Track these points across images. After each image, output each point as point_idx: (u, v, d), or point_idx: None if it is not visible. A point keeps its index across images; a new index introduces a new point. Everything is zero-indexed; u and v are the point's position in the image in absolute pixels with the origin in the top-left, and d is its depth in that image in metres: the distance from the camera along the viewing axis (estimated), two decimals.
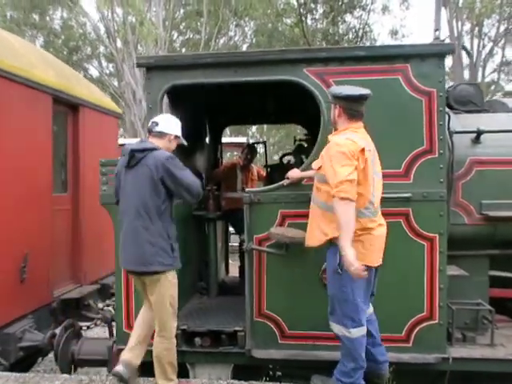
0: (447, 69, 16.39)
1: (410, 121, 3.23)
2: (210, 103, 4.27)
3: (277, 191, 3.32)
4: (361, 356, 2.81)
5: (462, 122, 3.58)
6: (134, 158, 2.85)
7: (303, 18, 19.97)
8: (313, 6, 20.08)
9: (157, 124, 2.95)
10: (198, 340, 3.43)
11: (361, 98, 2.80)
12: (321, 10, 20.22)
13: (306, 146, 5.12)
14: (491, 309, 3.44)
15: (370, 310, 3.02)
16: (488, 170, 3.45)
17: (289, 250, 3.22)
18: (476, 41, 20.26)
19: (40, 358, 4.54)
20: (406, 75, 3.21)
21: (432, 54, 3.20)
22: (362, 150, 2.68)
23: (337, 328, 2.87)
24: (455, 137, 3.42)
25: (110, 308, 4.73)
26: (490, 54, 20.26)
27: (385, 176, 3.22)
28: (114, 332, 4.37)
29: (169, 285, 2.89)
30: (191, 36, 28.03)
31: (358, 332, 2.79)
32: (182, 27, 26.88)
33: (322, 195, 2.84)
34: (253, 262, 3.32)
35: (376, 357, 2.97)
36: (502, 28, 20.15)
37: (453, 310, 3.35)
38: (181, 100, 3.87)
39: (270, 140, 28.49)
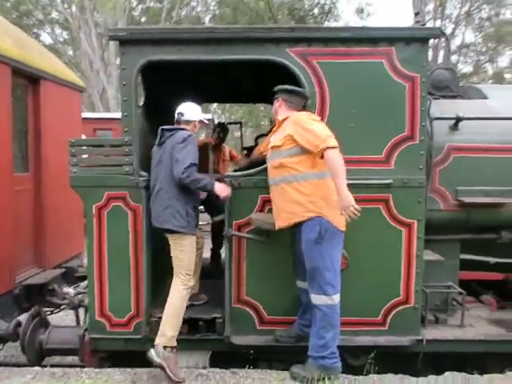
0: None
1: (392, 106, 3.20)
2: (180, 79, 4.06)
3: (257, 176, 3.24)
4: (339, 322, 2.98)
5: (440, 107, 3.59)
6: (164, 136, 3.21)
7: None
8: None
9: (182, 114, 3.29)
10: None
11: (296, 92, 3.10)
12: None
13: None
14: (462, 291, 3.55)
15: None
16: (465, 156, 3.50)
17: (269, 235, 3.16)
18: (438, 22, 20.59)
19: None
20: (390, 59, 3.16)
21: (417, 38, 3.15)
22: None
23: (319, 299, 2.94)
24: (434, 123, 3.43)
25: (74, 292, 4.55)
26: (452, 35, 20.64)
27: (366, 162, 3.24)
28: (82, 319, 4.27)
29: (184, 247, 3.14)
30: (152, 5, 26.97)
31: (338, 298, 2.97)
32: None
33: (294, 167, 2.93)
34: (232, 248, 3.25)
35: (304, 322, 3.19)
36: (463, 10, 20.55)
37: (426, 294, 3.43)
38: (149, 75, 3.67)
39: (231, 117, 28.13)
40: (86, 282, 5.05)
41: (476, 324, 3.57)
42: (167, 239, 3.19)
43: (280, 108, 3.14)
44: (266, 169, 3.19)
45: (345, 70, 3.16)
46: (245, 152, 4.93)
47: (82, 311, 4.28)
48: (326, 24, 21.25)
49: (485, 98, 3.84)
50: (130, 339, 3.36)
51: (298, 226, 3.01)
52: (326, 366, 2.92)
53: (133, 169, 3.25)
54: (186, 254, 3.16)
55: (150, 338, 3.30)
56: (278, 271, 3.30)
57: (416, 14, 3.64)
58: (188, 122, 3.31)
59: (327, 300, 2.92)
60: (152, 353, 3.04)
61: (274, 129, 3.23)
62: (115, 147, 3.31)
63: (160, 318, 3.30)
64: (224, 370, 3.11)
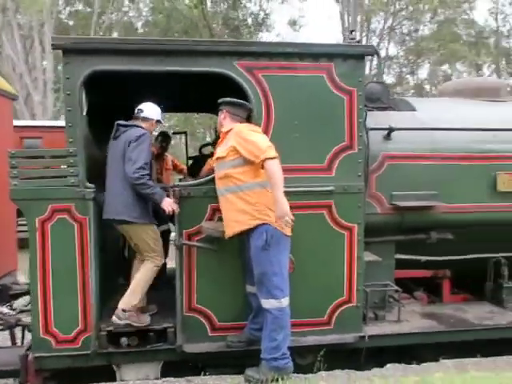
0: None
1: (332, 118, 3.40)
2: (124, 88, 4.03)
3: (206, 185, 3.30)
4: (289, 324, 3.11)
5: (373, 119, 3.86)
6: (119, 131, 3.37)
7: (203, 1, 19.62)
8: None
9: (142, 111, 3.47)
10: (124, 340, 3.31)
11: (240, 105, 3.23)
12: None
13: None
14: (398, 289, 3.83)
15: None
16: (398, 164, 3.79)
17: (220, 244, 3.23)
18: (364, 35, 21.77)
19: None
20: (330, 73, 3.37)
21: (353, 55, 3.39)
22: None
23: (268, 303, 3.06)
24: (370, 133, 3.69)
25: (13, 312, 4.33)
26: (378, 48, 21.88)
27: (309, 170, 3.42)
28: (20, 338, 4.07)
29: (142, 235, 3.37)
30: (80, 8, 26.05)
31: (287, 301, 3.10)
32: None
33: (238, 178, 3.04)
34: (182, 257, 3.28)
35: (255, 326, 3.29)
36: (386, 25, 21.90)
37: (367, 293, 3.66)
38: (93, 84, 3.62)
39: (165, 125, 27.79)
40: (21, 300, 4.86)
41: (411, 318, 3.87)
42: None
43: (224, 120, 3.25)
44: (214, 178, 3.26)
45: (289, 83, 3.32)
46: (190, 161, 4.97)
47: (18, 330, 4.10)
48: (260, 34, 21.77)
49: (413, 109, 4.18)
50: (78, 355, 3.26)
51: (246, 234, 3.11)
52: (279, 366, 3.04)
53: (78, 180, 3.18)
54: (149, 240, 3.37)
55: (99, 353, 3.25)
56: (227, 278, 3.37)
57: (351, 32, 3.89)
58: (146, 120, 3.48)
59: (276, 303, 3.05)
60: (114, 319, 3.26)
61: (219, 140, 3.32)
62: (59, 158, 3.22)
63: (109, 331, 3.28)
64: (179, 379, 3.13)
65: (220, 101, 3.26)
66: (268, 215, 3.02)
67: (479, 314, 4.01)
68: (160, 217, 4.42)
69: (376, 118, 3.91)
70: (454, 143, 3.89)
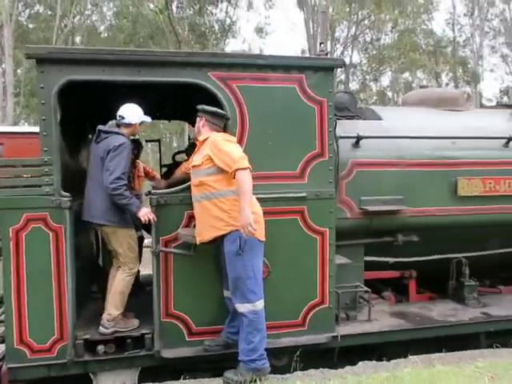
0: None
1: (304, 126, 3.53)
2: (98, 96, 4.03)
3: (183, 192, 3.36)
4: (264, 326, 3.21)
5: (342, 127, 4.03)
6: (100, 136, 3.43)
7: (169, 6, 19.58)
8: None
9: (123, 118, 3.47)
10: (101, 348, 3.32)
11: (217, 114, 3.30)
12: None
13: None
14: (368, 290, 4.00)
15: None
16: (366, 170, 3.97)
17: (196, 250, 3.30)
18: (328, 44, 22.29)
19: None
20: (301, 85, 3.50)
21: (323, 67, 3.54)
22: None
23: (243, 307, 3.15)
24: (339, 141, 3.85)
25: None
26: (341, 56, 22.45)
27: (283, 177, 3.53)
28: None
29: (119, 239, 3.42)
30: (41, 11, 25.42)
31: (261, 303, 3.20)
32: None
33: (213, 186, 3.13)
34: (160, 263, 3.33)
35: (232, 330, 3.37)
36: (350, 34, 22.51)
37: (338, 294, 3.80)
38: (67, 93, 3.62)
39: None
40: None
41: (380, 318, 4.04)
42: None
43: (203, 128, 3.32)
44: (190, 186, 3.33)
45: (262, 94, 3.43)
46: (164, 169, 4.99)
47: None
48: (226, 41, 21.95)
49: (379, 118, 4.38)
50: (54, 364, 3.24)
51: (220, 240, 3.19)
52: (257, 367, 3.13)
53: (53, 189, 3.18)
54: (123, 245, 3.41)
55: (75, 362, 3.24)
56: (204, 283, 3.43)
57: (320, 44, 4.06)
58: (129, 126, 3.50)
59: (251, 307, 3.14)
60: (101, 330, 3.32)
61: (196, 148, 3.39)
62: (34, 167, 3.21)
63: (86, 339, 3.28)
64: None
65: (200, 108, 3.31)
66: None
67: (443, 312, 4.23)
68: (134, 224, 4.46)
69: (344, 127, 4.07)
70: (417, 150, 4.11)
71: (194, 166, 3.25)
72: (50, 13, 24.60)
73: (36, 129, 13.54)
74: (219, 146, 3.10)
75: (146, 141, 5.16)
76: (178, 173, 3.89)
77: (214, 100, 3.37)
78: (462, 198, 4.16)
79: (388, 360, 3.51)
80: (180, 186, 3.38)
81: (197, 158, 3.25)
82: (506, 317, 4.16)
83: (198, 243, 3.20)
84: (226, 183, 3.12)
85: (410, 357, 3.47)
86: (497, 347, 3.81)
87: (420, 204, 4.08)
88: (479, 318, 4.11)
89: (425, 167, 4.10)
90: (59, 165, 3.20)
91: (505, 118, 4.74)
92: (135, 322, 3.49)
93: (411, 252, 4.27)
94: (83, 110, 4.13)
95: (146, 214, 3.26)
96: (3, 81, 20.21)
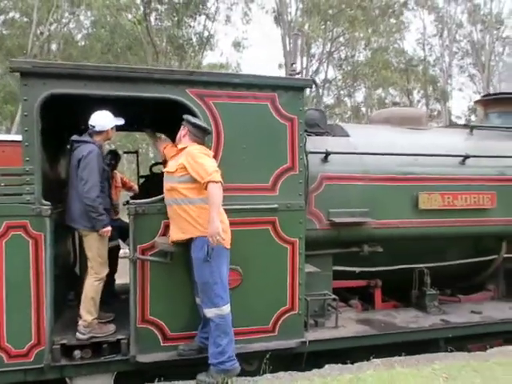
0: None
1: (276, 142, 3.75)
2: (77, 107, 4.15)
3: (160, 202, 3.52)
4: (231, 329, 3.37)
5: (312, 143, 4.27)
6: (73, 146, 3.64)
7: (147, 17, 19.75)
8: (158, 6, 19.97)
9: (94, 126, 3.63)
10: (77, 353, 3.42)
11: (199, 128, 3.47)
12: (164, 10, 20.17)
13: None
14: (335, 297, 4.21)
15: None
16: (334, 184, 4.22)
17: (173, 258, 3.45)
18: (304, 59, 22.85)
19: None
20: (273, 103, 3.73)
21: (294, 87, 3.78)
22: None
23: (210, 312, 3.32)
24: (309, 156, 4.08)
25: None
26: (317, 72, 23.02)
27: (255, 189, 3.73)
28: None
29: (90, 242, 3.60)
30: (17, 16, 25.16)
31: (227, 308, 3.35)
32: (3, 4, 23.83)
33: (183, 193, 3.32)
34: (137, 270, 3.46)
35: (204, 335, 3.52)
36: (325, 50, 23.11)
37: (307, 301, 4.01)
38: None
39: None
40: None
41: (347, 324, 4.26)
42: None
43: (184, 137, 3.50)
44: None
45: (236, 110, 3.64)
46: (142, 180, 5.13)
47: None
48: (204, 53, 22.22)
49: (347, 135, 4.65)
50: (30, 369, 3.32)
51: (188, 246, 3.37)
52: (226, 369, 3.30)
53: (34, 197, 3.29)
54: (92, 249, 3.58)
55: (52, 366, 3.33)
56: (179, 290, 3.58)
57: (292, 65, 4.31)
58: (101, 133, 3.68)
59: (218, 311, 3.31)
60: (78, 336, 3.46)
61: (174, 154, 3.58)
62: (16, 176, 3.32)
63: (63, 344, 3.38)
64: None
65: (185, 118, 3.47)
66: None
67: (406, 319, 4.49)
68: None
69: (314, 143, 4.32)
70: (381, 166, 4.39)
71: (167, 172, 3.44)
72: (25, 20, 24.42)
73: (8, 137, 13.48)
74: (195, 158, 3.28)
75: (124, 152, 5.29)
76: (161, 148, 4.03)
77: (191, 114, 3.56)
78: (422, 212, 4.45)
79: (352, 363, 3.71)
80: (157, 197, 3.53)
81: (172, 165, 3.44)
82: (463, 323, 4.45)
83: (170, 241, 3.39)
84: (196, 192, 3.31)
85: (373, 360, 3.69)
86: (451, 351, 4.08)
87: (384, 216, 4.34)
88: (438, 325, 4.38)
89: (388, 182, 4.38)
90: (40, 174, 3.32)
91: (462, 137, 5.09)
92: (111, 328, 3.60)
93: (376, 262, 4.52)
94: (62, 121, 4.24)
95: (104, 232, 3.56)
96: None
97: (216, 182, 3.18)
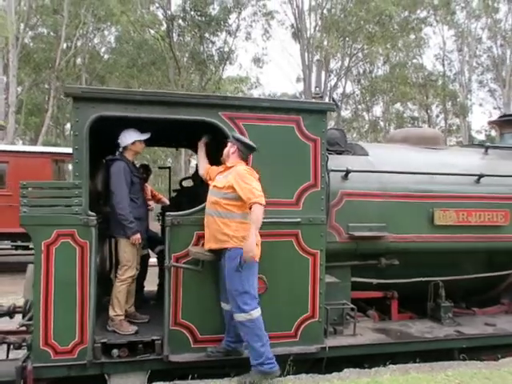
0: None
1: (300, 161, 4.05)
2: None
3: (193, 215, 3.84)
4: (263, 332, 3.63)
5: (333, 161, 4.56)
6: (108, 164, 4.14)
7: (170, 34, 20.39)
8: (181, 22, 20.61)
9: (119, 145, 4.14)
10: (115, 351, 3.73)
11: (250, 148, 3.78)
12: (188, 27, 20.81)
13: None
14: (353, 307, 4.46)
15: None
16: (353, 200, 4.50)
17: (204, 266, 3.76)
18: (323, 73, 23.21)
19: None
20: (298, 124, 4.04)
21: (317, 111, 4.10)
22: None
23: (240, 316, 3.58)
24: (331, 174, 4.37)
25: None
26: (335, 86, 23.35)
27: (281, 204, 4.03)
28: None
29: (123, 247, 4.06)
30: (43, 31, 26.17)
31: (256, 312, 3.61)
32: (34, 21, 24.82)
33: (226, 208, 3.62)
34: (171, 277, 3.78)
35: (230, 339, 3.81)
36: (344, 65, 23.45)
37: (327, 310, 4.26)
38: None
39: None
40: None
41: (364, 333, 4.49)
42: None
43: (233, 154, 3.79)
44: (200, 210, 3.82)
45: (265, 131, 3.96)
46: (174, 194, 5.47)
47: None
48: (224, 68, 22.77)
49: (366, 154, 4.93)
50: (74, 365, 3.65)
51: (223, 254, 3.66)
52: (265, 371, 3.57)
53: (82, 209, 3.65)
54: (122, 253, 4.05)
55: (93, 363, 3.65)
56: (209, 296, 3.88)
57: (316, 88, 4.63)
58: (125, 149, 4.13)
59: (247, 316, 3.58)
60: (107, 327, 3.97)
61: (222, 169, 3.87)
62: (65, 189, 3.69)
63: (103, 343, 3.70)
64: (167, 383, 3.58)
65: (235, 137, 3.78)
66: (243, 242, 3.55)
67: (421, 329, 4.69)
68: (151, 241, 4.97)
69: (335, 161, 4.61)
70: (399, 184, 4.65)
71: (215, 186, 3.75)
72: (53, 35, 25.40)
73: (38, 148, 14.04)
74: (244, 179, 3.58)
75: (159, 168, 5.63)
76: (203, 169, 4.22)
77: (223, 135, 3.89)
78: (437, 227, 4.68)
79: (370, 368, 3.94)
80: (191, 210, 3.86)
81: (220, 181, 3.74)
82: (476, 335, 4.64)
83: (206, 249, 3.70)
84: (238, 208, 3.62)
85: (389, 366, 3.92)
86: (464, 359, 4.27)
87: (401, 231, 4.59)
88: (453, 335, 4.58)
89: (405, 199, 4.63)
90: (87, 188, 3.69)
91: (477, 157, 5.32)
92: (130, 328, 3.94)
93: (393, 274, 4.75)
94: (105, 141, 4.62)
95: (135, 239, 3.97)
96: (6, 101, 20.71)
97: (261, 205, 3.48)
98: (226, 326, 3.85)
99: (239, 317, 3.60)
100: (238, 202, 3.61)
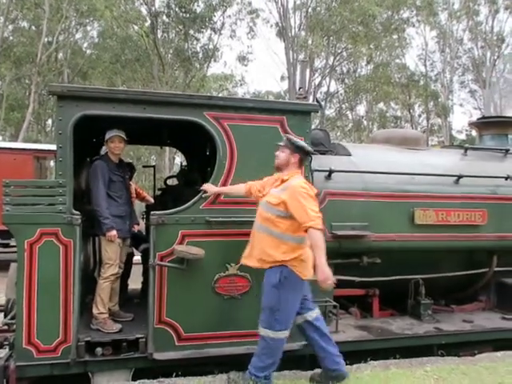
0: None
1: None
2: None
3: (178, 214, 3.86)
4: (280, 354, 3.48)
5: (317, 161, 4.61)
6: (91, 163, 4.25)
7: (154, 30, 20.25)
8: (165, 19, 20.49)
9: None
10: (99, 350, 3.74)
11: (310, 154, 3.67)
12: (173, 24, 20.69)
13: (186, 169, 5.69)
14: (336, 304, 4.53)
15: (317, 311, 3.75)
16: (336, 199, 4.56)
17: (189, 264, 3.79)
18: (308, 72, 23.33)
19: None
20: (282, 125, 4.09)
21: (301, 111, 4.15)
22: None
23: (264, 331, 3.45)
24: (314, 174, 4.43)
25: None
26: (319, 85, 23.50)
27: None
28: None
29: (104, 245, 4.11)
30: (24, 25, 25.73)
31: (283, 334, 3.45)
32: (14, 15, 24.39)
33: (279, 227, 3.41)
34: (155, 275, 3.79)
35: (332, 352, 3.65)
36: (328, 64, 23.61)
37: None
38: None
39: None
40: None
41: (346, 330, 4.58)
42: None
43: (293, 164, 3.56)
44: (184, 209, 3.84)
45: (249, 132, 3.99)
46: (159, 192, 5.48)
47: None
48: (209, 65, 22.73)
49: (349, 154, 5.01)
50: (57, 364, 3.64)
51: (261, 269, 3.53)
52: (257, 381, 3.43)
53: (66, 208, 3.64)
54: (103, 251, 4.09)
55: (77, 362, 3.65)
56: (193, 295, 3.90)
57: (299, 89, 4.68)
58: (106, 145, 4.22)
59: (271, 334, 3.42)
60: (91, 325, 3.95)
61: (276, 181, 3.63)
62: (49, 188, 3.67)
63: (87, 341, 3.70)
64: (152, 380, 3.61)
65: (297, 144, 3.54)
66: (289, 259, 3.37)
67: (401, 326, 4.80)
68: (136, 239, 4.97)
69: (319, 161, 4.67)
70: (380, 184, 4.74)
71: (268, 202, 3.51)
72: (34, 29, 24.98)
73: (19, 145, 13.83)
74: (300, 199, 3.32)
75: (143, 166, 5.63)
76: (242, 190, 3.84)
77: (208, 135, 3.92)
78: (418, 226, 4.78)
79: (351, 365, 4.02)
80: (176, 209, 3.88)
81: (274, 196, 3.48)
82: (455, 331, 4.76)
83: (241, 263, 3.64)
84: (292, 230, 3.38)
85: (370, 362, 4.01)
86: (442, 355, 4.39)
87: (382, 230, 4.67)
88: (432, 332, 4.69)
89: (387, 198, 4.72)
90: (71, 187, 3.68)
91: (457, 157, 5.45)
92: (114, 327, 3.94)
93: (375, 272, 4.84)
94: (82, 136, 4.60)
95: (110, 236, 3.97)
96: None
97: (319, 230, 3.24)
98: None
99: (263, 331, 3.45)
100: (291, 222, 3.38)
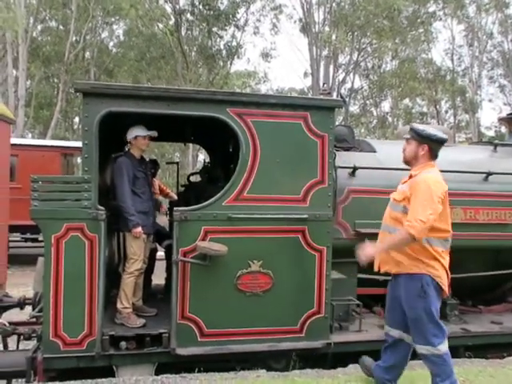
0: None
1: (307, 157, 4.06)
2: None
3: (201, 210, 3.87)
4: (453, 369, 3.12)
5: (341, 158, 4.57)
6: (115, 159, 4.26)
7: (179, 28, 20.40)
8: (190, 17, 20.60)
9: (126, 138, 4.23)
10: (123, 344, 3.79)
11: (444, 142, 3.19)
12: (197, 21, 20.80)
13: (209, 166, 5.71)
14: (359, 303, 4.47)
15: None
16: (360, 197, 4.50)
17: (211, 260, 3.80)
18: (331, 68, 23.12)
19: None
20: (306, 121, 4.05)
21: (325, 107, 4.10)
22: (446, 191, 3.16)
23: (424, 349, 3.12)
24: (338, 171, 4.38)
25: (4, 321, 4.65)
26: (343, 81, 23.24)
27: (287, 200, 4.05)
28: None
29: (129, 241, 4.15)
30: (52, 24, 26.27)
31: (444, 346, 3.12)
32: (43, 15, 24.94)
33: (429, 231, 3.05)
34: (178, 271, 3.82)
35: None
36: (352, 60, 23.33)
37: (333, 306, 4.28)
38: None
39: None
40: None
41: (370, 329, 4.50)
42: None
43: (423, 158, 3.18)
44: (208, 204, 3.85)
45: (272, 128, 3.97)
46: (182, 189, 5.51)
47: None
48: (232, 63, 22.76)
49: (374, 151, 4.93)
50: (83, 357, 3.71)
51: (397, 275, 3.26)
52: None
53: (91, 203, 3.69)
54: (128, 247, 4.13)
55: (101, 355, 3.71)
56: (216, 290, 3.91)
57: (323, 84, 4.63)
58: (131, 144, 4.24)
59: (433, 351, 3.09)
60: (115, 320, 4.01)
61: (405, 178, 3.39)
62: (75, 184, 3.73)
63: (111, 335, 3.76)
64: (175, 375, 3.63)
65: (424, 133, 3.12)
66: (433, 267, 3.12)
67: None
68: (159, 236, 5.02)
69: (343, 158, 4.62)
70: None
71: (394, 199, 3.30)
72: (62, 28, 25.51)
73: (47, 142, 14.18)
74: (419, 194, 3.01)
75: (167, 163, 5.67)
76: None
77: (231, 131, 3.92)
78: None
79: None
80: (198, 205, 3.89)
81: (399, 191, 3.27)
82: (482, 333, 4.64)
83: (375, 269, 3.38)
84: (434, 231, 3.08)
85: None
86: (469, 356, 4.28)
87: None
88: (458, 333, 4.58)
89: None
90: (97, 183, 3.73)
91: (487, 154, 5.30)
92: (138, 321, 3.99)
93: None
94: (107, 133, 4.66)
95: (136, 232, 4.02)
96: (15, 94, 20.86)
97: (409, 235, 2.95)
98: (383, 354, 3.51)
99: (422, 349, 3.13)
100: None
